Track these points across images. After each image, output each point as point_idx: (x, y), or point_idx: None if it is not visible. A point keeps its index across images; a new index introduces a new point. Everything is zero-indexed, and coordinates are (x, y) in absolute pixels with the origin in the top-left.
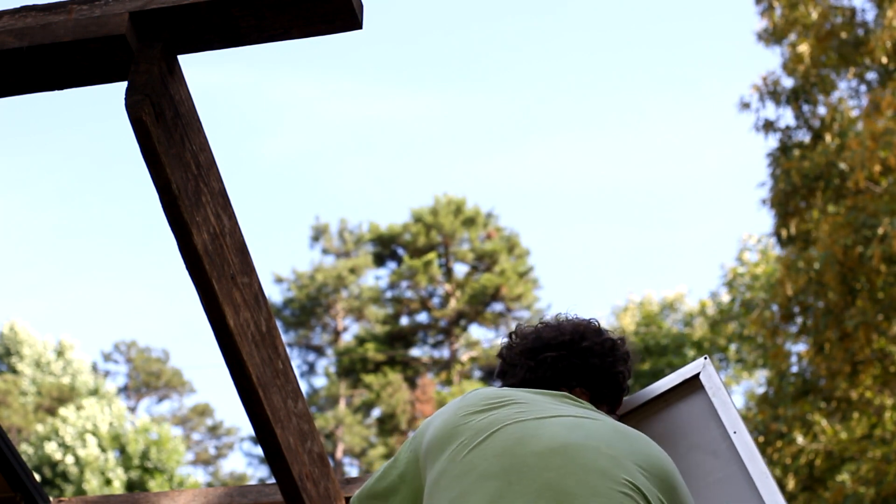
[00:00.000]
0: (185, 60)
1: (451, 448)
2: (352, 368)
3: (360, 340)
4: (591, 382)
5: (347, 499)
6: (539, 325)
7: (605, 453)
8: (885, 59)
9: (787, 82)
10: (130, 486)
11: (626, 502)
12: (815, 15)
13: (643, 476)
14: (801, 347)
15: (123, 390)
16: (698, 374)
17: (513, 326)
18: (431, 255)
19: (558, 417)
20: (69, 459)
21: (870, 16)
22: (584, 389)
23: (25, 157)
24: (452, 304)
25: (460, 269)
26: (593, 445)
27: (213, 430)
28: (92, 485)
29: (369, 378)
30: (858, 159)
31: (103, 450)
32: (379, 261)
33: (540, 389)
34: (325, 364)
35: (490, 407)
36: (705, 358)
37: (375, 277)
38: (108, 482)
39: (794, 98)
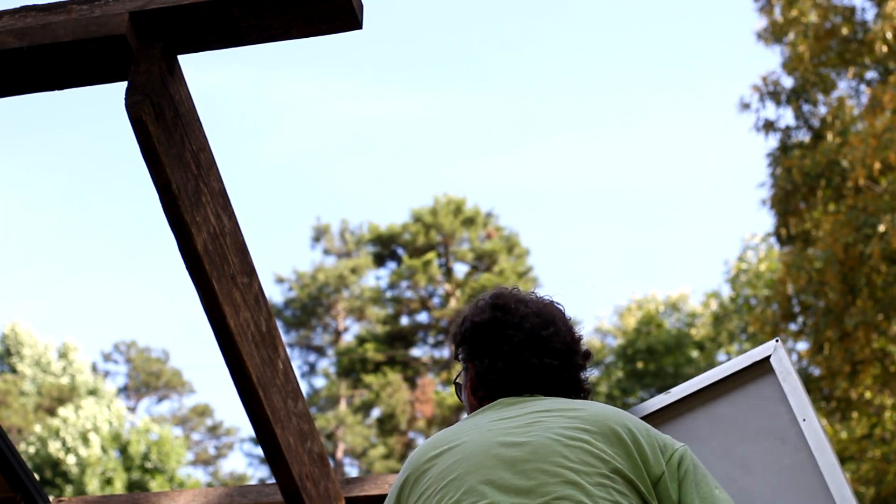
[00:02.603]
0: (184, 61)
1: (427, 480)
2: (352, 368)
3: (361, 340)
4: (566, 392)
5: (347, 499)
6: (530, 308)
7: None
8: (884, 49)
9: (787, 82)
10: (131, 486)
11: None
12: (813, 14)
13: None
14: (801, 346)
15: (123, 390)
16: (769, 356)
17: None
18: (431, 255)
19: (506, 448)
20: (70, 459)
21: (869, 15)
22: (556, 395)
23: (26, 158)
24: (452, 303)
25: (460, 269)
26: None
27: (213, 430)
28: (92, 485)
29: (369, 378)
30: (860, 156)
31: (104, 450)
32: (379, 261)
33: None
34: (326, 364)
35: (439, 453)
36: (776, 340)
37: (376, 277)
38: (108, 482)
39: (795, 98)
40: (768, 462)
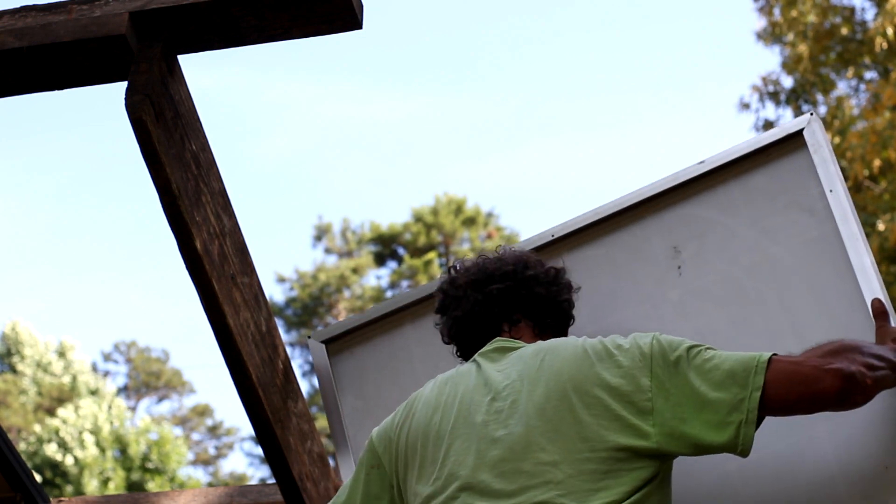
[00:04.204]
0: (182, 62)
1: (417, 472)
2: None
3: None
4: (536, 313)
5: None
6: (480, 258)
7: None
8: (884, 45)
9: (787, 82)
10: (131, 486)
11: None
12: (813, 15)
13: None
14: None
15: (123, 390)
16: (802, 129)
17: None
18: (432, 255)
19: (486, 426)
20: (69, 460)
21: (869, 15)
22: (528, 321)
23: (25, 158)
24: None
25: None
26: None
27: (213, 430)
28: (92, 486)
29: None
30: (859, 153)
31: (103, 450)
32: (380, 260)
33: (476, 351)
34: None
35: (427, 437)
36: (811, 114)
37: (376, 277)
38: (105, 482)
39: (794, 98)
40: (795, 233)
